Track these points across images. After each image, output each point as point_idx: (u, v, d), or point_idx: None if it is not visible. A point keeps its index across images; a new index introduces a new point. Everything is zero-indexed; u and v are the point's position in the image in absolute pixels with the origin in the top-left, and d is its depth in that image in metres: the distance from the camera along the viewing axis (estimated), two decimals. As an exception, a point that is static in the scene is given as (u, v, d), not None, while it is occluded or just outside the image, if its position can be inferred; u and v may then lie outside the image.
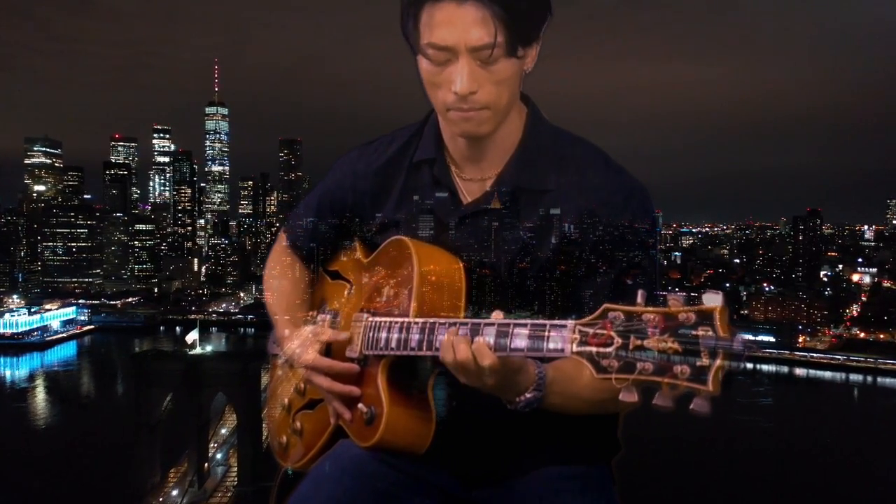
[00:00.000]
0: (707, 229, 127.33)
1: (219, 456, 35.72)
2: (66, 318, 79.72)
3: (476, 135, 1.51)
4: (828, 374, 68.74)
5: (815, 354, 71.75)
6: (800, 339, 75.90)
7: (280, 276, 1.85)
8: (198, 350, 41.77)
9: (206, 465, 32.95)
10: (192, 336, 44.62)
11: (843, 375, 68.25)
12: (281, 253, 1.88)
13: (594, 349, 1.13)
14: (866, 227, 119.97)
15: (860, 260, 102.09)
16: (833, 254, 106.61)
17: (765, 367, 67.61)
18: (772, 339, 70.74)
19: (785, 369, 69.37)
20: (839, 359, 69.94)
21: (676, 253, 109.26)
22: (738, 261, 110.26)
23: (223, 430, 36.55)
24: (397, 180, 1.67)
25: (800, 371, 69.64)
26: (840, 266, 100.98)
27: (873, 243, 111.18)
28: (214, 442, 35.59)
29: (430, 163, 1.63)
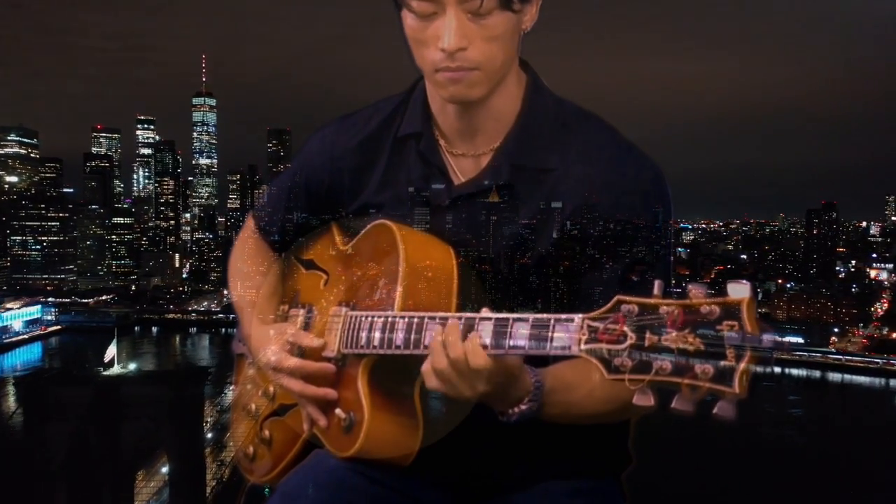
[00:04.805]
0: (704, 226, 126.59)
1: (152, 510, 28.00)
2: (29, 318, 74.24)
3: (466, 99, 1.37)
4: (865, 380, 63.44)
5: (850, 357, 66.36)
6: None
7: (247, 264, 1.69)
8: (116, 369, 33.33)
9: (129, 525, 24.87)
10: (111, 351, 36.20)
11: (883, 381, 63.00)
12: (248, 239, 1.71)
13: (605, 347, 1.04)
14: (866, 223, 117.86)
15: (874, 256, 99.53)
16: (841, 249, 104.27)
17: (794, 372, 62.45)
18: (800, 339, 65.44)
19: (817, 374, 64.08)
20: (878, 362, 64.42)
21: (680, 249, 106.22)
22: (744, 256, 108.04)
23: (164, 470, 28.53)
24: (380, 157, 1.52)
25: (833, 376, 64.25)
26: (853, 262, 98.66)
27: (880, 239, 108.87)
28: (147, 491, 27.22)
29: (416, 137, 1.49)
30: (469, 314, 1.21)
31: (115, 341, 35.34)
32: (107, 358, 34.99)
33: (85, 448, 23.09)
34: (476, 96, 1.35)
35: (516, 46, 1.37)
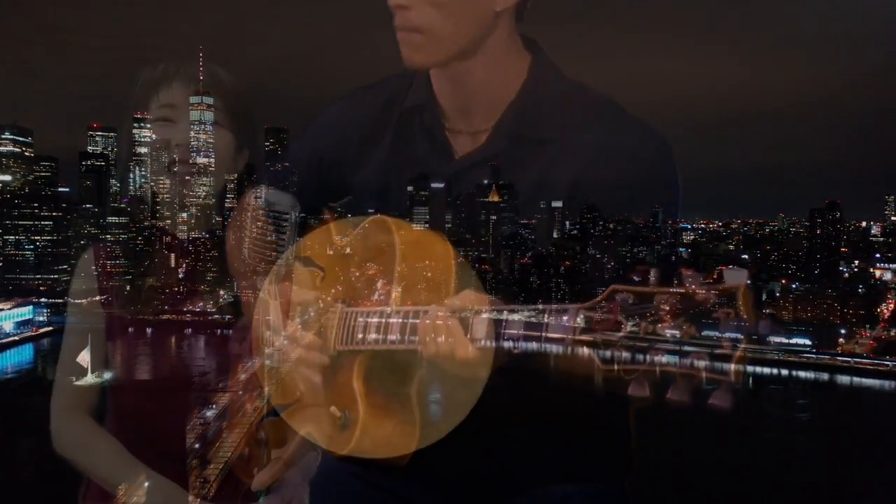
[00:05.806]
0: (704, 225, 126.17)
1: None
2: (21, 319, 73.00)
3: (411, 63, 1.35)
4: (875, 382, 62.26)
5: (859, 360, 65.22)
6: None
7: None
8: (90, 378, 32.54)
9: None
10: (83, 357, 34.66)
11: (893, 384, 61.81)
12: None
13: (600, 336, 1.03)
14: (866, 222, 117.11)
15: (878, 255, 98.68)
16: (843, 249, 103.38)
17: (802, 374, 61.32)
18: (807, 341, 64.33)
19: (825, 376, 62.82)
20: (888, 364, 63.35)
21: (680, 249, 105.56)
22: (745, 256, 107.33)
23: (146, 485, 27.97)
24: (386, 132, 1.53)
25: (842, 378, 63.09)
26: (856, 262, 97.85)
27: (881, 239, 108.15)
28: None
29: (420, 110, 1.49)
30: (463, 308, 1.19)
31: (88, 347, 33.45)
32: (83, 363, 33.03)
33: (54, 463, 21.93)
34: (421, 62, 1.32)
35: (481, 23, 1.31)
